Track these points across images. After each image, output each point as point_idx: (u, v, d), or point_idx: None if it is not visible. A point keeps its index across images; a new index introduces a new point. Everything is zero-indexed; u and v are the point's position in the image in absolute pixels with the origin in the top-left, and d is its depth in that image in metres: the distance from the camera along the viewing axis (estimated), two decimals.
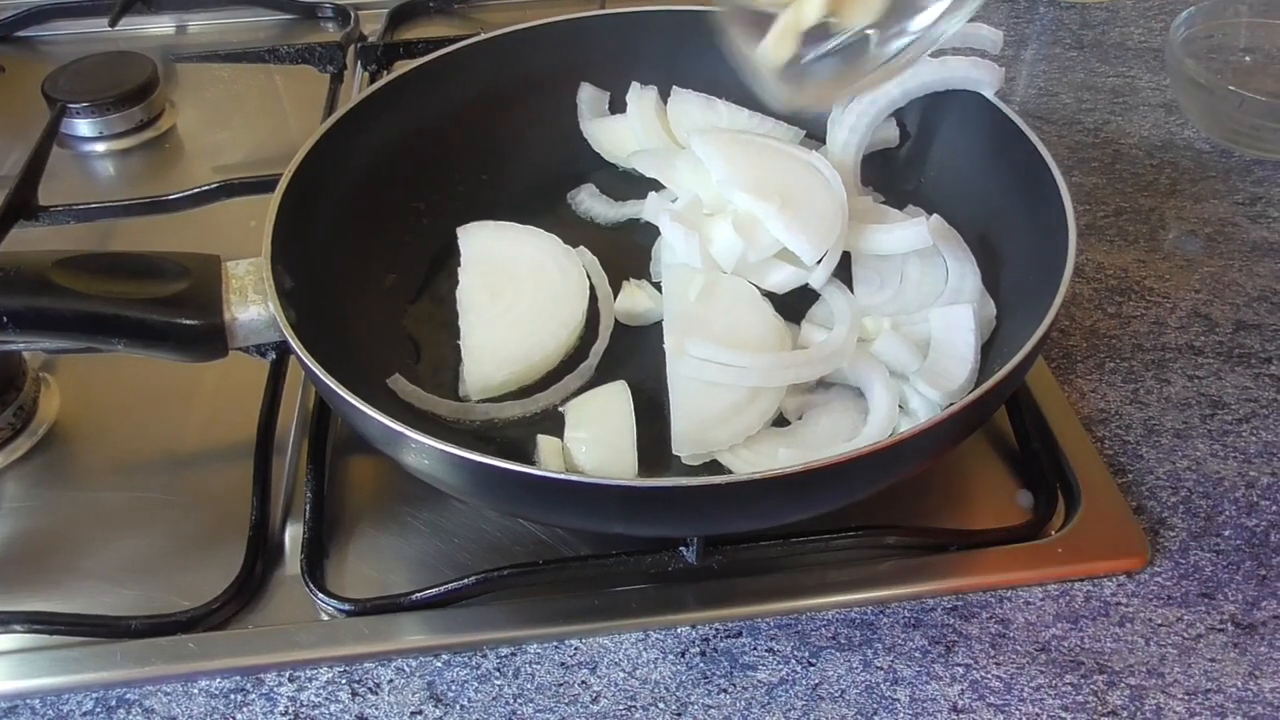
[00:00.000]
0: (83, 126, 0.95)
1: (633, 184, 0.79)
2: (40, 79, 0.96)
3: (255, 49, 1.01)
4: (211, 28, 1.12)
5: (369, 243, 0.71)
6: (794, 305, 0.68)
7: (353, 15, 1.09)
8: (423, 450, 0.50)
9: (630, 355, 0.68)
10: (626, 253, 0.74)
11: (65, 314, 0.54)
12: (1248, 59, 0.95)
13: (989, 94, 0.69)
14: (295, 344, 0.54)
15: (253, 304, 0.58)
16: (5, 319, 0.53)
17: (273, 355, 0.64)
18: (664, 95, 0.80)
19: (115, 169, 0.94)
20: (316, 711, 0.54)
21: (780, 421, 0.61)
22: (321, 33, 1.10)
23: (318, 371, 0.53)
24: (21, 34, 1.10)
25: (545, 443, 0.60)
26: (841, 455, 0.47)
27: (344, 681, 0.55)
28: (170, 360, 0.58)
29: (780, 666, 0.55)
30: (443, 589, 0.57)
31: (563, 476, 0.48)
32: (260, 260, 0.58)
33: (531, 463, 0.60)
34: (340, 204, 0.69)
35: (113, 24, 1.04)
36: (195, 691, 0.55)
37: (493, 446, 0.62)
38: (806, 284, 0.67)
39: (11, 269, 0.54)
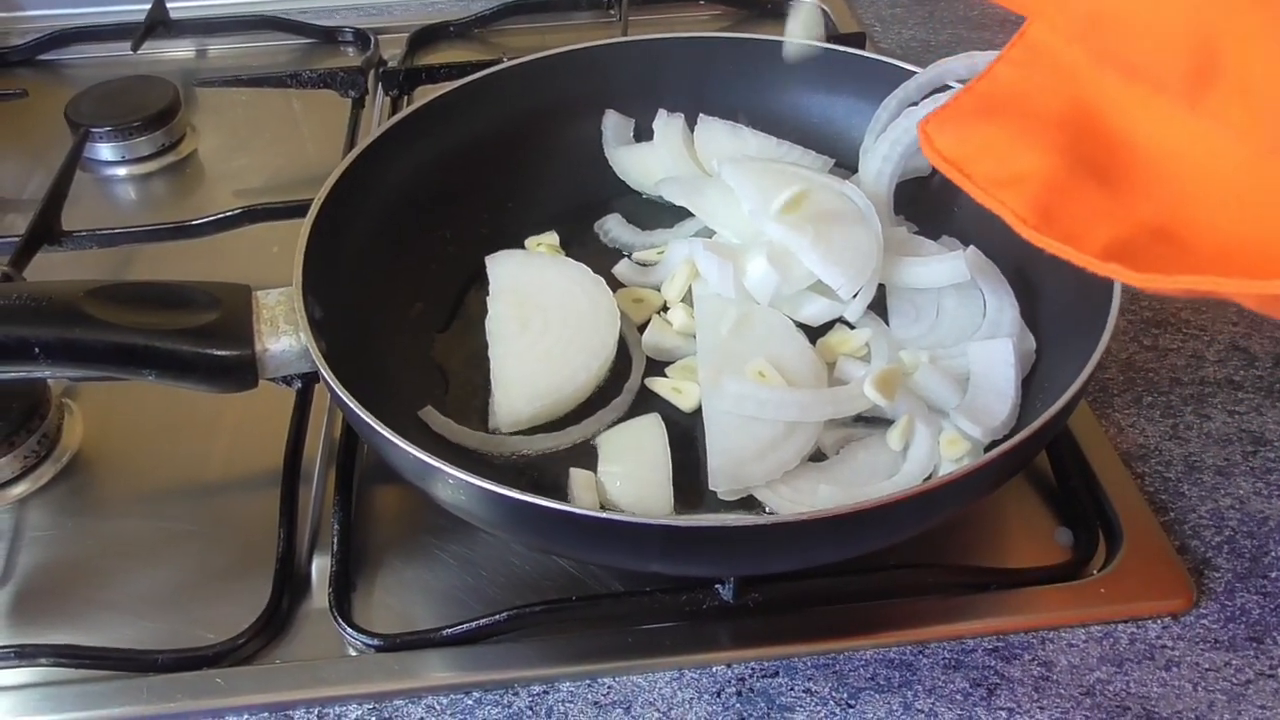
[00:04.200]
0: (105, 151, 0.94)
1: (660, 212, 0.78)
2: (62, 103, 0.96)
3: (277, 74, 1.00)
4: (232, 52, 1.12)
5: (396, 271, 0.70)
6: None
7: (373, 40, 1.09)
8: (459, 486, 0.49)
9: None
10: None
11: (96, 345, 0.53)
12: None
13: None
14: (329, 376, 0.53)
15: (284, 334, 0.57)
16: (37, 350, 0.52)
17: (298, 384, 0.63)
18: (690, 122, 0.80)
19: (137, 193, 0.94)
20: None
21: (817, 456, 0.60)
22: (342, 57, 1.10)
23: (351, 404, 0.52)
24: (44, 58, 1.10)
25: (578, 476, 0.59)
26: (888, 497, 0.47)
27: (373, 719, 0.54)
28: (200, 391, 0.58)
29: (818, 708, 0.54)
30: (474, 625, 0.56)
31: (603, 516, 0.48)
32: (291, 290, 0.58)
33: (564, 496, 0.59)
34: (367, 232, 0.69)
35: (135, 48, 1.03)
36: None
37: (524, 479, 0.61)
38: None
39: (43, 299, 0.53)
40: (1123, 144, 0.39)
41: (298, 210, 0.74)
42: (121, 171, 0.95)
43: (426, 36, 1.11)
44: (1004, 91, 0.43)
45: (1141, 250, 0.37)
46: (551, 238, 0.76)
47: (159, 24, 1.07)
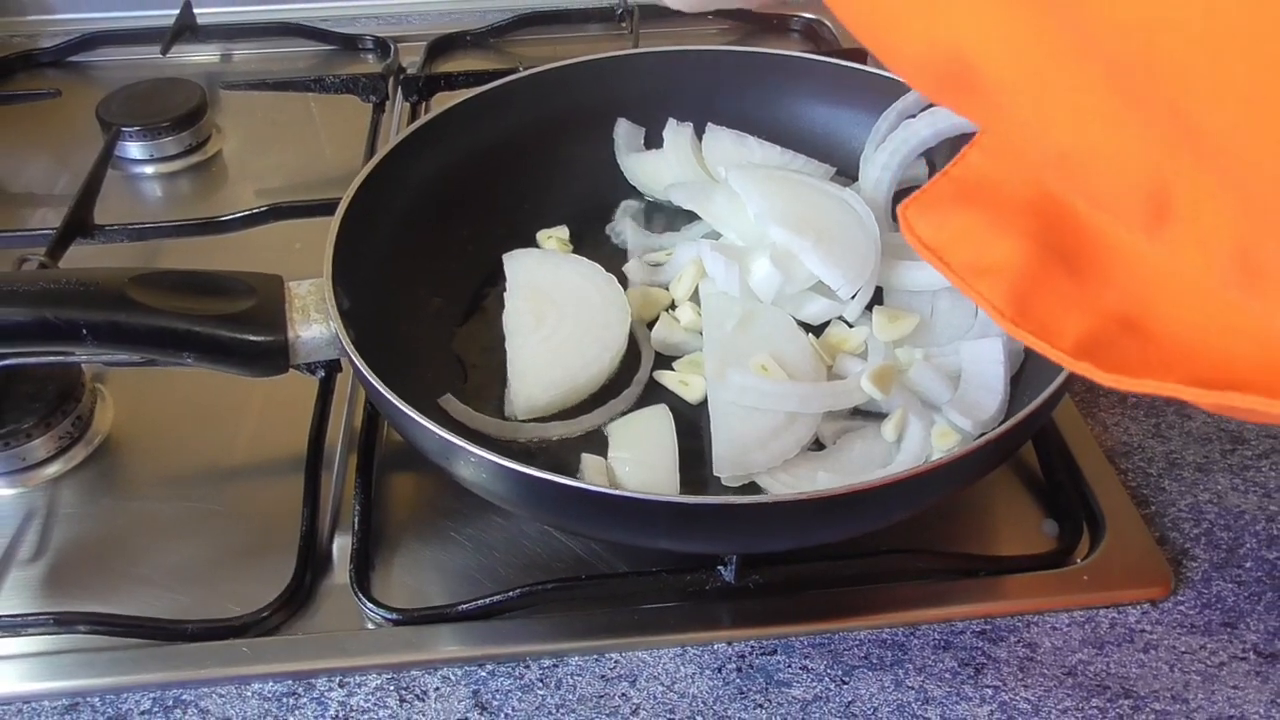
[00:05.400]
0: (134, 149, 0.98)
1: (669, 215, 0.82)
2: (93, 103, 0.99)
3: (301, 78, 1.04)
4: (255, 57, 1.15)
5: (417, 267, 0.73)
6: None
7: (393, 48, 1.12)
8: (481, 464, 0.52)
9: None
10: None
11: (140, 328, 0.57)
12: None
13: None
14: (358, 361, 0.56)
15: (315, 322, 0.60)
16: (85, 331, 0.55)
17: (322, 373, 0.66)
18: (699, 131, 0.83)
19: (164, 191, 0.97)
20: (365, 717, 0.56)
21: (816, 445, 0.63)
22: (361, 63, 1.14)
23: (380, 388, 0.55)
24: (75, 59, 1.13)
25: (590, 461, 0.62)
26: (883, 478, 0.50)
27: (392, 688, 0.57)
28: (233, 374, 0.61)
29: (814, 684, 0.57)
30: (487, 601, 0.59)
31: (617, 492, 0.51)
32: (321, 281, 0.61)
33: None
34: (390, 229, 0.72)
35: (164, 52, 1.07)
36: (249, 694, 0.57)
37: (538, 463, 0.63)
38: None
39: (91, 284, 0.56)
40: (1090, 233, 0.40)
41: (324, 209, 0.77)
42: (149, 170, 0.98)
43: (444, 45, 1.14)
44: (978, 177, 0.44)
45: (1110, 344, 0.37)
46: (562, 231, 0.79)
47: (187, 29, 1.10)
